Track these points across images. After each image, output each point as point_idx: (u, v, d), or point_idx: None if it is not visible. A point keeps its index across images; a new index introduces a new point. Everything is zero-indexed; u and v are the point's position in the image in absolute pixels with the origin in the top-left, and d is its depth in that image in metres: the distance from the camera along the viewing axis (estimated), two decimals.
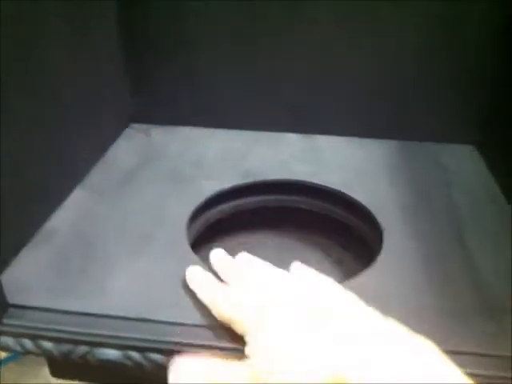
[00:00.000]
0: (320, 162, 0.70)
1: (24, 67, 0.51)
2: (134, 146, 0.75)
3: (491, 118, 0.71)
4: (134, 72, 0.76)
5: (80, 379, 0.54)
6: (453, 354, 0.41)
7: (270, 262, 0.66)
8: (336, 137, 0.76)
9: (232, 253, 0.67)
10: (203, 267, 0.51)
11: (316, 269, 0.64)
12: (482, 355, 0.42)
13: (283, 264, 0.65)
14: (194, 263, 0.52)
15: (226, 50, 0.73)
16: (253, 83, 0.75)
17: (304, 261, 0.66)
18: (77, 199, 0.62)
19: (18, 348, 0.44)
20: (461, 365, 0.40)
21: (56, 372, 0.53)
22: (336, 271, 0.64)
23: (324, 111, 0.75)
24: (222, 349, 0.42)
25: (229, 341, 0.42)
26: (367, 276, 0.51)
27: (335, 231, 0.67)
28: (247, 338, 0.39)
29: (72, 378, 0.55)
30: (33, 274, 0.50)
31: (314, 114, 0.76)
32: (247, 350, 0.39)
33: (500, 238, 0.56)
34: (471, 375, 0.39)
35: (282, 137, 0.76)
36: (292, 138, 0.76)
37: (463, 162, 0.72)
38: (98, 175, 0.68)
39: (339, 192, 0.64)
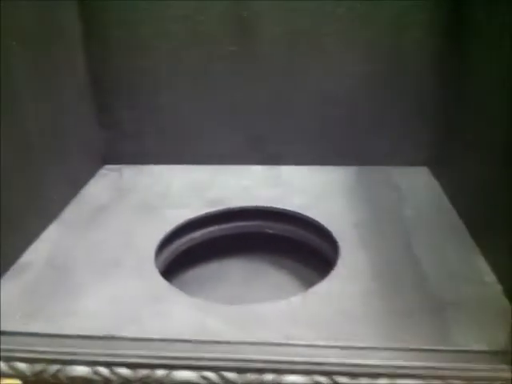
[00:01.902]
0: (282, 189, 0.74)
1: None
2: (107, 184, 0.79)
3: (442, 140, 0.76)
4: (104, 119, 0.82)
5: None
6: (403, 353, 0.45)
7: (240, 284, 0.70)
8: (297, 166, 0.81)
9: (204, 278, 0.70)
10: (168, 287, 0.54)
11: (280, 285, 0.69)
12: (428, 350, 0.45)
13: (252, 286, 0.69)
14: (160, 285, 0.55)
15: (187, 91, 0.79)
16: (218, 121, 0.80)
17: (271, 281, 0.70)
18: (51, 234, 0.66)
19: None
20: (410, 366, 0.44)
21: None
22: (299, 285, 0.67)
23: (285, 143, 0.80)
24: (181, 359, 0.45)
25: (187, 352, 0.45)
26: (323, 285, 0.54)
27: (298, 250, 0.70)
28: None
29: None
30: (6, 303, 0.53)
31: (276, 146, 0.81)
32: None
33: (447, 248, 0.60)
34: (420, 367, 0.43)
35: (245, 169, 0.81)
36: (255, 169, 0.81)
37: (417, 182, 0.76)
38: (71, 211, 0.71)
39: (299, 214, 0.68)
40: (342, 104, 0.78)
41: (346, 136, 0.80)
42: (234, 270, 0.71)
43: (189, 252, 0.69)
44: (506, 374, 0.43)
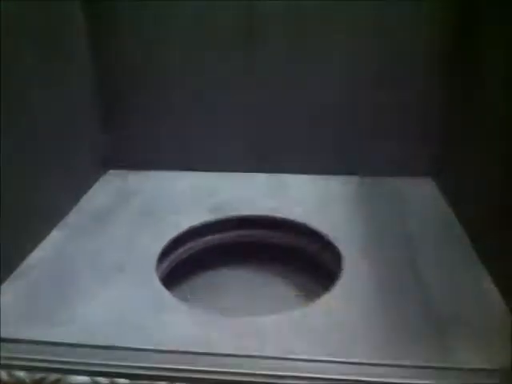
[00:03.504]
0: (284, 198, 0.74)
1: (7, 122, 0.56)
2: (110, 188, 0.79)
3: (447, 151, 0.75)
4: (109, 124, 0.82)
5: None
6: (404, 370, 0.45)
7: (242, 295, 0.69)
8: (300, 175, 0.81)
9: (205, 286, 0.70)
10: (170, 298, 0.54)
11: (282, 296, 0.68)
12: (428, 367, 0.45)
13: (254, 296, 0.69)
14: (161, 294, 0.55)
15: (191, 100, 0.79)
16: (220, 128, 0.81)
17: (272, 291, 0.70)
18: (55, 238, 0.66)
19: None
20: (410, 376, 0.44)
21: None
22: (301, 296, 0.67)
23: (288, 152, 0.80)
24: (181, 371, 0.45)
25: (187, 365, 0.45)
26: (327, 299, 0.54)
27: (302, 261, 0.70)
28: None
29: None
30: (8, 308, 0.53)
31: (279, 155, 0.81)
32: None
33: (451, 262, 0.60)
34: None
35: (248, 176, 0.81)
36: (257, 177, 0.81)
37: (420, 193, 0.76)
38: (75, 215, 0.71)
39: (302, 224, 0.68)
40: (344, 114, 0.78)
41: (348, 146, 0.80)
42: (235, 279, 0.71)
43: (190, 259, 0.69)
44: None
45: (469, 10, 0.68)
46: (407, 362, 0.45)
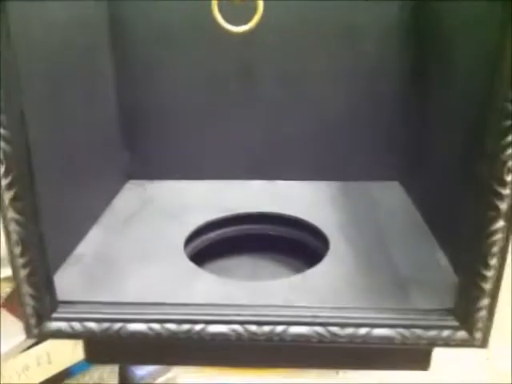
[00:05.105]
0: (279, 199, 0.91)
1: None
2: (134, 195, 0.95)
3: (411, 159, 0.93)
4: (131, 144, 0.99)
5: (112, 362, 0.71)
6: (378, 310, 0.61)
7: (248, 275, 0.85)
8: (289, 181, 0.99)
9: (220, 269, 0.86)
10: (199, 270, 0.70)
11: (281, 275, 0.84)
12: (395, 309, 0.62)
13: (258, 276, 0.85)
14: (192, 268, 0.71)
15: (199, 121, 0.97)
16: (223, 144, 0.98)
17: (273, 272, 0.86)
18: (95, 234, 0.81)
19: (69, 329, 0.62)
20: (384, 318, 0.60)
21: (91, 357, 0.70)
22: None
23: (282, 163, 0.98)
24: (215, 315, 0.61)
25: (219, 311, 0.61)
26: (318, 268, 0.71)
27: (296, 248, 0.86)
28: None
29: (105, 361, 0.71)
30: (71, 283, 0.68)
31: (274, 165, 0.98)
32: None
33: (412, 242, 0.77)
34: (391, 319, 0.59)
35: (247, 183, 0.98)
36: (255, 183, 0.98)
37: (389, 194, 0.94)
38: (108, 217, 0.87)
39: (297, 218, 0.85)
40: (326, 130, 0.96)
41: (329, 156, 0.97)
42: (243, 264, 0.87)
43: (206, 250, 0.85)
44: (452, 323, 0.59)
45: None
46: (380, 305, 0.62)
